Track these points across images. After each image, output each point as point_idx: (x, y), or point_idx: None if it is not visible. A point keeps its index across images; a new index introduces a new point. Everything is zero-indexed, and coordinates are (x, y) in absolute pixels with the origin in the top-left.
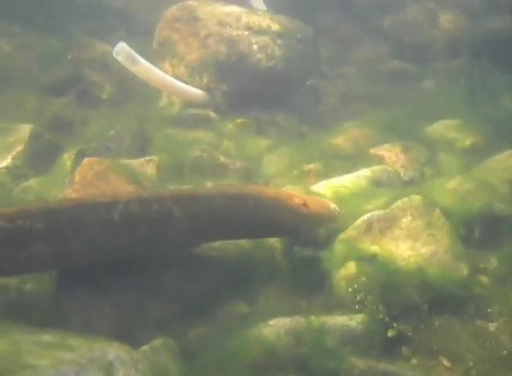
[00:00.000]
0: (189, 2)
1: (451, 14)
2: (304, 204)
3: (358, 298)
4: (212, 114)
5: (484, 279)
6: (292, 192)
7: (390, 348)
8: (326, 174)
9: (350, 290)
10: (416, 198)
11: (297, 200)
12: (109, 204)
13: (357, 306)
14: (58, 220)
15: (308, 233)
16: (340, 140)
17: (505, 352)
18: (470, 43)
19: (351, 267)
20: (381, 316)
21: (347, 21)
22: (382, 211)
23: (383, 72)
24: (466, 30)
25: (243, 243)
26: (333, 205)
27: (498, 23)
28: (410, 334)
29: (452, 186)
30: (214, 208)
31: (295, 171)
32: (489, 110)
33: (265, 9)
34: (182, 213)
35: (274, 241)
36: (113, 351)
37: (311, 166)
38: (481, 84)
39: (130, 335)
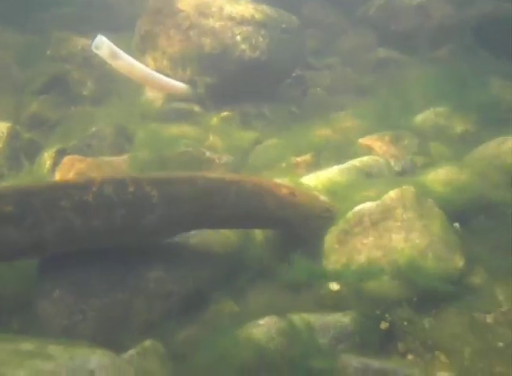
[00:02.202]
0: None
1: (437, 1)
2: (292, 193)
3: (347, 295)
4: (196, 108)
5: (481, 269)
6: (279, 182)
7: (386, 344)
8: (315, 166)
9: (339, 286)
10: (408, 189)
11: (284, 189)
12: (82, 186)
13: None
14: (29, 202)
15: (300, 226)
16: (329, 131)
17: (502, 344)
18: (458, 30)
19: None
20: (373, 312)
21: (332, 10)
22: (373, 203)
23: (370, 61)
24: (454, 17)
25: (230, 235)
26: (323, 198)
27: (486, 8)
28: (405, 328)
29: (444, 175)
30: (194, 192)
31: (283, 164)
32: (479, 97)
33: None
34: (160, 196)
35: (263, 234)
36: (96, 358)
37: (299, 158)
38: (470, 71)
39: (116, 339)
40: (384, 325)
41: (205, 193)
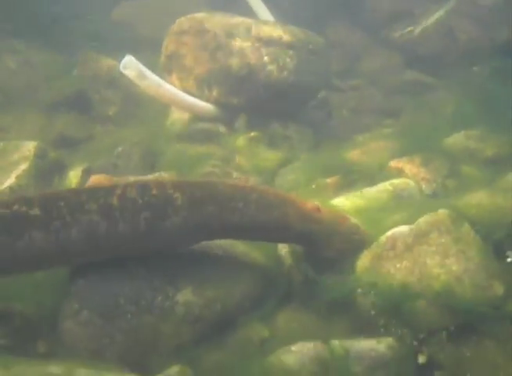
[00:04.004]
0: (196, 15)
1: (464, 24)
2: (318, 209)
3: (382, 322)
4: (223, 128)
5: None
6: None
7: (422, 374)
8: (344, 188)
9: (373, 312)
10: (442, 212)
11: (308, 204)
12: (107, 190)
13: (382, 329)
14: (55, 205)
15: (325, 245)
16: (357, 153)
17: None
18: (486, 52)
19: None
20: (409, 340)
21: (355, 32)
22: (407, 227)
23: (396, 83)
24: (481, 40)
25: (258, 256)
26: (353, 220)
27: None
28: (443, 358)
29: (479, 199)
30: (215, 196)
31: (312, 186)
32: (509, 119)
33: (273, 19)
34: (184, 198)
35: (292, 257)
36: None
37: (328, 180)
38: (499, 93)
39: (144, 363)
40: (422, 359)
41: (226, 197)
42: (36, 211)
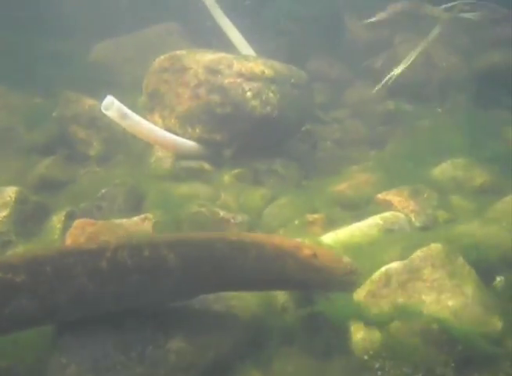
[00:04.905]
0: (177, 52)
1: (443, 52)
2: (314, 255)
3: (377, 365)
4: (207, 166)
5: None
6: (300, 242)
7: None
8: (332, 224)
9: (367, 356)
10: (435, 246)
11: (306, 251)
12: (96, 252)
13: (379, 373)
14: (42, 270)
15: (320, 288)
16: (344, 187)
17: None
18: (467, 80)
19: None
20: None
21: (338, 64)
22: (401, 263)
23: (378, 113)
24: (461, 67)
25: (251, 299)
26: (346, 259)
27: (493, 58)
28: None
29: (472, 230)
30: (211, 256)
31: (299, 222)
32: (496, 147)
33: (255, 55)
34: (177, 260)
35: (284, 299)
36: None
37: (315, 216)
38: (482, 121)
39: None
40: None
41: (224, 255)
42: (22, 278)
